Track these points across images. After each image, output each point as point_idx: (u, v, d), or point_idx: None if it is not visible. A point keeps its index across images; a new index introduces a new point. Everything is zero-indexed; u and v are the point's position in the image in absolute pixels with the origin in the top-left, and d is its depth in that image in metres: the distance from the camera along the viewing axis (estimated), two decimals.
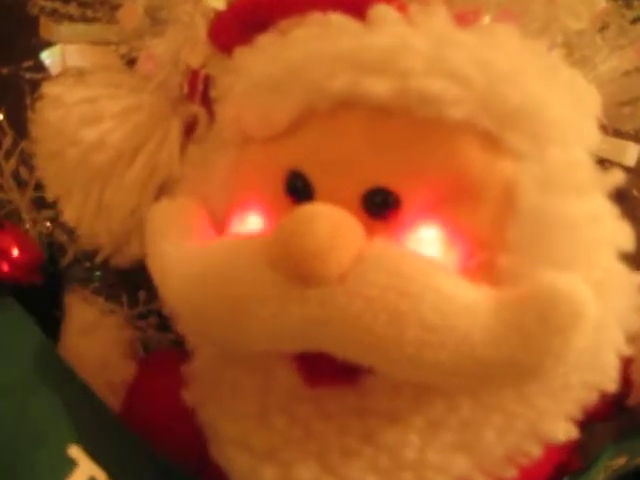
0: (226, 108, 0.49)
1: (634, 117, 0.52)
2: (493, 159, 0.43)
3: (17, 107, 0.57)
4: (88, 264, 0.58)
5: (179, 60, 0.51)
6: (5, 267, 0.51)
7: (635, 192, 0.54)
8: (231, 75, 0.48)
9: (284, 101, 0.45)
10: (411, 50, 0.42)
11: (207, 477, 0.49)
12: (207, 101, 0.51)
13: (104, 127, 0.51)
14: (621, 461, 0.49)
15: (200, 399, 0.49)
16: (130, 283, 0.57)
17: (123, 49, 0.54)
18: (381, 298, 0.40)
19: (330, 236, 0.40)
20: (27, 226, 0.59)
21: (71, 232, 0.56)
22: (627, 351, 0.46)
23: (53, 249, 0.59)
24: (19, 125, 0.57)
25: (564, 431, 0.46)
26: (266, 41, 0.47)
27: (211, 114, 0.51)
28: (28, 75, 0.57)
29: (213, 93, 0.50)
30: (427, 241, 0.43)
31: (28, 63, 0.57)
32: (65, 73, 0.54)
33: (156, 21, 0.53)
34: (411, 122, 0.43)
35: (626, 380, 0.48)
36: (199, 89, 0.51)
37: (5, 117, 0.60)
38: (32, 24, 0.56)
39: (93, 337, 0.54)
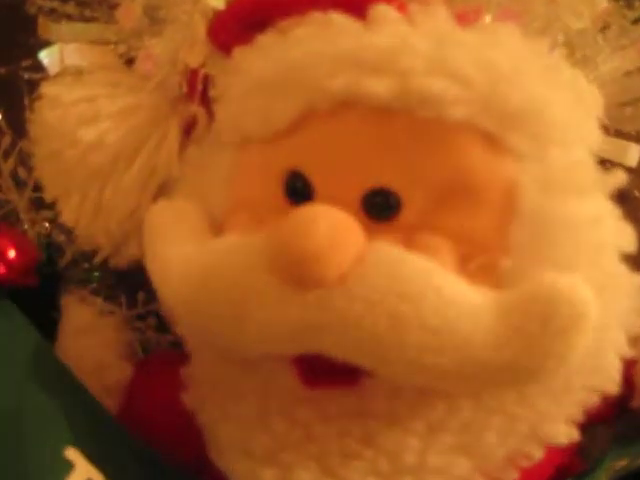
0: (225, 108, 0.49)
1: (636, 117, 0.52)
2: (494, 159, 0.43)
3: (15, 107, 0.57)
4: (87, 265, 0.58)
5: (178, 60, 0.51)
6: (1, 269, 0.50)
7: (637, 193, 0.54)
8: (230, 75, 0.48)
9: (284, 101, 0.45)
10: (411, 50, 0.42)
11: (207, 478, 0.49)
12: (206, 101, 0.51)
13: (102, 127, 0.51)
14: (623, 463, 0.49)
15: (199, 401, 0.49)
16: (129, 284, 0.57)
17: (122, 48, 0.54)
18: (381, 301, 0.40)
19: (329, 237, 0.40)
20: (25, 227, 0.59)
21: (69, 233, 0.56)
22: (629, 353, 0.46)
23: (51, 250, 0.59)
24: (17, 125, 0.57)
25: (565, 433, 0.46)
26: (266, 41, 0.47)
27: (210, 114, 0.50)
28: (26, 75, 0.57)
29: (212, 93, 0.50)
30: (427, 243, 0.43)
31: (26, 63, 0.57)
32: (63, 72, 0.54)
33: (155, 20, 0.53)
34: (412, 122, 0.43)
35: (628, 382, 0.48)
36: (198, 89, 0.51)
37: (3, 117, 0.59)
38: (30, 23, 0.55)
39: (89, 338, 0.54)
